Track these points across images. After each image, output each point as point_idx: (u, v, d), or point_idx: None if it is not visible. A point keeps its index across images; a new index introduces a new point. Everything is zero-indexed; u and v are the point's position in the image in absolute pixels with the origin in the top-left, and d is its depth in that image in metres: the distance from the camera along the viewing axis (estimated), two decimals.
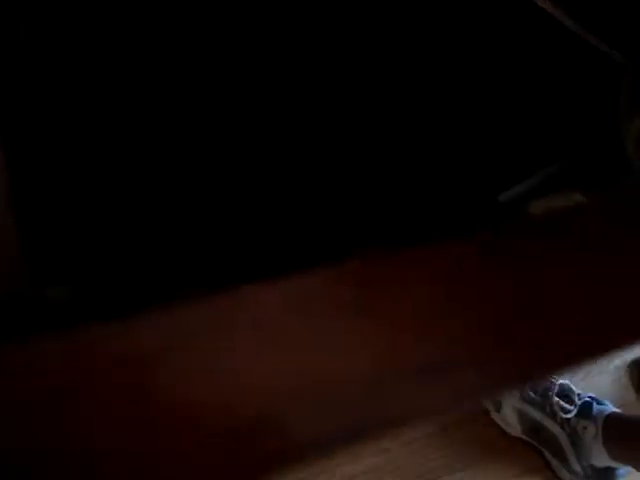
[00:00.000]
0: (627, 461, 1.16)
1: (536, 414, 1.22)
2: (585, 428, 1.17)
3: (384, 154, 0.32)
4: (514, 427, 1.26)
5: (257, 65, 0.31)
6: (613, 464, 1.17)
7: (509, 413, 1.25)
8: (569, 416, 1.19)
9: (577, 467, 1.20)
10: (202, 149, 0.31)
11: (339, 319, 0.20)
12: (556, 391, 1.20)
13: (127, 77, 0.31)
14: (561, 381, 1.22)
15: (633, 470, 1.16)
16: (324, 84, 0.32)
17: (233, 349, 0.19)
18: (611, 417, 1.16)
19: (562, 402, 1.20)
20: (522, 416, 1.24)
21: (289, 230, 0.30)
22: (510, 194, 0.30)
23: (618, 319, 0.24)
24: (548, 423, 1.22)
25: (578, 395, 1.21)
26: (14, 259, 0.22)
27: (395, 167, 0.31)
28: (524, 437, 1.26)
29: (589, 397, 1.21)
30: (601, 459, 1.16)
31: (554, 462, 1.24)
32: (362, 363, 0.20)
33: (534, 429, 1.24)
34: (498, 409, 1.27)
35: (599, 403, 1.20)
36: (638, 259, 0.24)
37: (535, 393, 1.22)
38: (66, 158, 0.29)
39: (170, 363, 0.18)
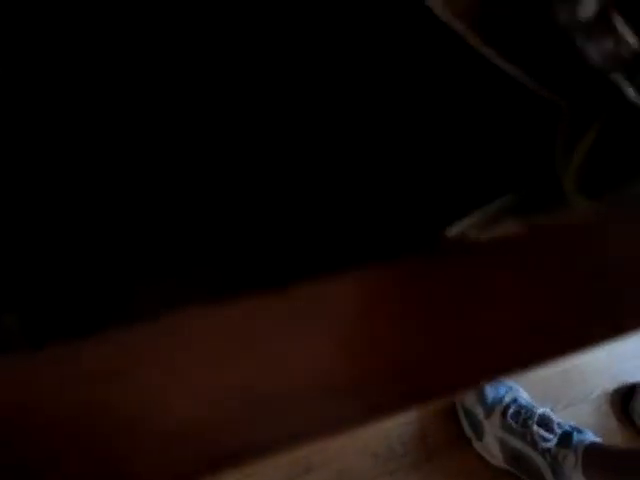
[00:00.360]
0: None
1: (517, 443, 1.23)
2: (565, 457, 1.18)
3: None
4: (496, 456, 1.26)
5: (255, 67, 0.33)
6: None
7: (491, 442, 1.26)
8: (549, 445, 1.20)
9: None
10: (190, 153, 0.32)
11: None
12: (536, 420, 1.21)
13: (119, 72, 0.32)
14: (541, 410, 1.23)
15: None
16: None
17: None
18: (591, 447, 1.17)
19: (542, 431, 1.20)
20: (503, 445, 1.25)
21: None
22: (457, 229, 0.31)
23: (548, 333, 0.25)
24: (529, 452, 1.22)
25: (558, 424, 1.22)
26: None
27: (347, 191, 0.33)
28: (506, 466, 1.27)
29: (569, 426, 1.22)
30: None
31: None
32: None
33: (515, 458, 1.24)
34: (480, 438, 1.27)
35: (579, 432, 1.20)
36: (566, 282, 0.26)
37: (516, 422, 1.22)
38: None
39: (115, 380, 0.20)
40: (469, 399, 1.27)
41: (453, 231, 0.33)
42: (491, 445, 1.26)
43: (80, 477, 0.19)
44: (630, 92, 0.28)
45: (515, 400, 1.25)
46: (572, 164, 0.31)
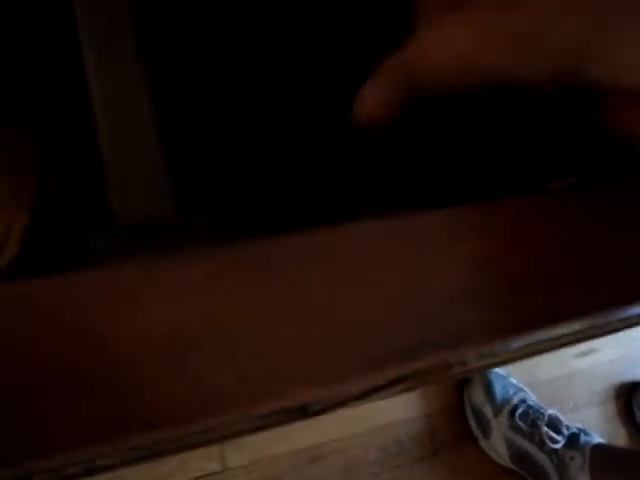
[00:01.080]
0: None
1: (524, 443, 1.24)
2: (572, 459, 1.20)
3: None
4: (502, 455, 1.28)
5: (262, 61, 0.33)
6: None
7: (498, 441, 1.27)
8: (557, 446, 1.21)
9: None
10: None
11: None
12: (546, 421, 1.23)
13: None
14: (550, 411, 1.24)
15: None
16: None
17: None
18: (598, 448, 1.19)
19: (551, 432, 1.22)
20: (510, 445, 1.26)
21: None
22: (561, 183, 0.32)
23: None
24: (536, 452, 1.24)
25: (566, 426, 1.24)
26: (161, 186, 0.23)
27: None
28: (511, 466, 1.28)
29: (577, 428, 1.24)
30: None
31: None
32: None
33: (522, 458, 1.26)
34: (487, 437, 1.28)
35: (586, 434, 1.22)
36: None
37: (524, 422, 1.24)
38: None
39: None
40: (477, 397, 1.29)
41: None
42: (498, 444, 1.28)
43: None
44: None
45: (524, 400, 1.27)
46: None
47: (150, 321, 0.18)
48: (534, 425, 1.23)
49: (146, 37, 0.26)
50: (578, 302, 0.23)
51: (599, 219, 0.24)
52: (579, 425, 1.25)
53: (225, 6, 0.33)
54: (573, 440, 1.22)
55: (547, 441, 1.22)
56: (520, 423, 1.24)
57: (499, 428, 1.27)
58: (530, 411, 1.25)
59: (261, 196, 0.29)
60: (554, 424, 1.23)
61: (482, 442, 1.30)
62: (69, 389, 0.17)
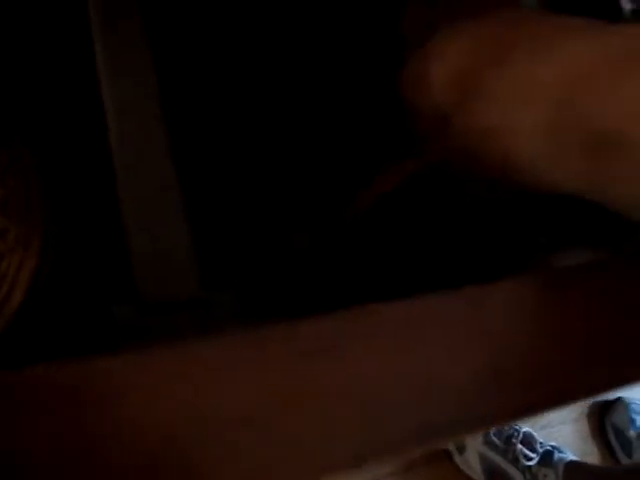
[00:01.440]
0: None
1: (498, 459, 1.25)
2: (546, 476, 1.20)
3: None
4: (476, 471, 1.28)
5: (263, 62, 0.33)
6: None
7: (472, 457, 1.28)
8: (531, 463, 1.22)
9: None
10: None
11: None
12: (520, 438, 1.23)
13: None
14: (524, 429, 1.25)
15: None
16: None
17: None
18: (571, 465, 1.20)
19: (525, 450, 1.23)
20: (484, 461, 1.27)
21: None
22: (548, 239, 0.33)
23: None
24: (510, 469, 1.24)
25: (540, 443, 1.25)
26: (186, 262, 0.23)
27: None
28: None
29: (551, 446, 1.25)
30: None
31: None
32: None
33: (495, 474, 1.26)
34: (461, 452, 1.29)
35: (560, 452, 1.23)
36: None
37: (499, 439, 1.25)
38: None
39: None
40: None
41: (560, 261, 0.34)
42: (472, 460, 1.28)
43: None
44: None
45: None
46: None
47: (207, 403, 0.18)
48: (508, 442, 1.24)
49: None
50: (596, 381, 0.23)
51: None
52: (553, 442, 1.26)
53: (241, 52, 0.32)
54: (547, 457, 1.22)
55: (521, 458, 1.23)
56: (494, 439, 1.25)
57: (473, 444, 1.27)
58: (505, 428, 1.26)
59: (284, 273, 0.28)
60: (528, 441, 1.24)
61: (457, 458, 1.30)
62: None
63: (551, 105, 0.22)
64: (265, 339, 0.19)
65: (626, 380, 0.24)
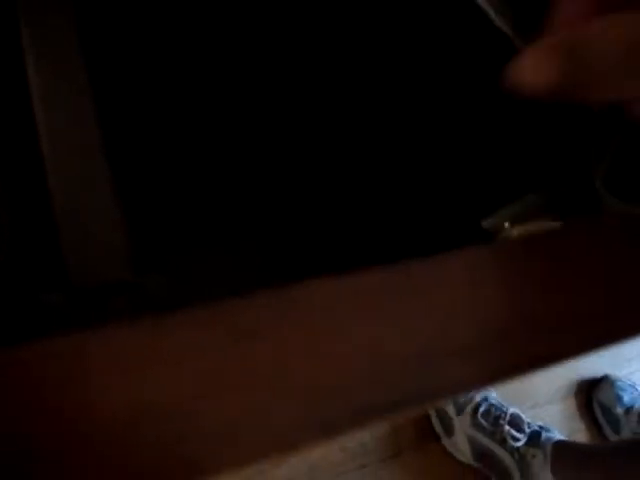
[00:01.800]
0: None
1: (486, 441, 1.25)
2: (534, 456, 1.21)
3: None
4: (465, 453, 1.29)
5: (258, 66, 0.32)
6: None
7: (460, 440, 1.28)
8: (519, 444, 1.22)
9: None
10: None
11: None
12: (508, 419, 1.24)
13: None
14: (512, 410, 1.25)
15: None
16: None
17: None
18: (559, 444, 1.20)
19: (513, 431, 1.23)
20: (473, 443, 1.27)
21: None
22: (492, 221, 0.32)
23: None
24: (498, 450, 1.25)
25: (528, 424, 1.25)
26: (118, 246, 0.22)
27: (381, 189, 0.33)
28: (474, 464, 1.29)
29: (538, 426, 1.25)
30: None
31: None
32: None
33: (484, 456, 1.27)
34: (450, 435, 1.29)
35: (547, 431, 1.24)
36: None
37: (487, 421, 1.25)
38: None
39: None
40: None
41: (488, 223, 0.33)
42: (460, 442, 1.28)
43: None
44: None
45: (486, 399, 1.28)
46: (601, 165, 0.31)
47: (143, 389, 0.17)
48: (496, 423, 1.24)
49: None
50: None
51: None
52: (540, 423, 1.27)
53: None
54: (534, 437, 1.23)
55: (509, 439, 1.23)
56: (482, 421, 1.25)
57: (462, 427, 1.27)
58: (492, 409, 1.26)
59: (221, 253, 0.27)
60: (516, 422, 1.24)
61: (445, 441, 1.31)
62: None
63: None
64: (197, 322, 0.18)
65: (594, 345, 0.24)
